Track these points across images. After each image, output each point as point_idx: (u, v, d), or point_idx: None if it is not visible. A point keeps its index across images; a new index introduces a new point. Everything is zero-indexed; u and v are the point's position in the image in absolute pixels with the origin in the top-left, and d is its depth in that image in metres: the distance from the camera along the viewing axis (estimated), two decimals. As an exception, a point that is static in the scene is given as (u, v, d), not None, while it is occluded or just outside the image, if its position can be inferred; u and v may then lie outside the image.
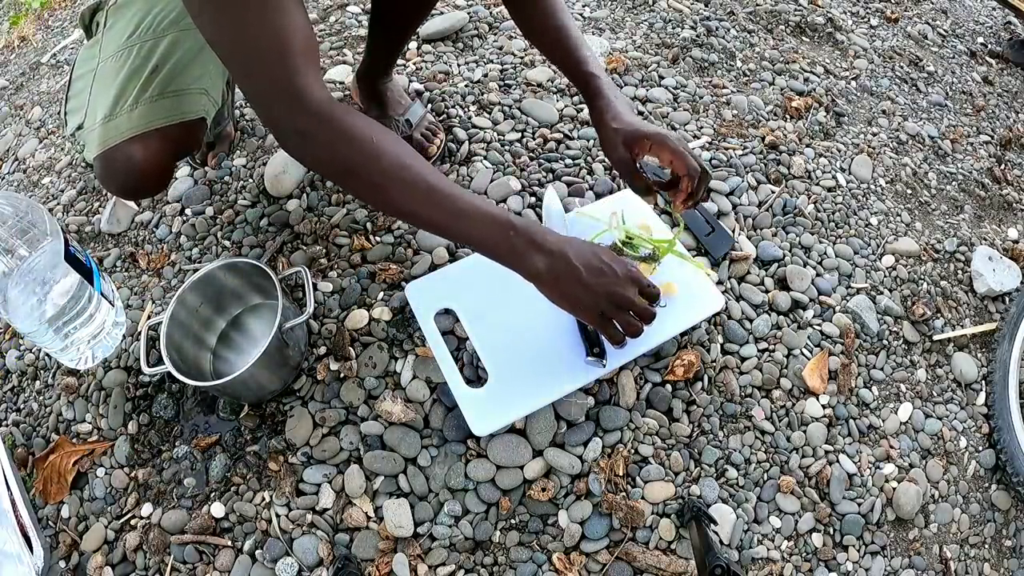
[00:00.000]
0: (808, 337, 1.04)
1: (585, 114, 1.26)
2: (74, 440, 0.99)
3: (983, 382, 1.09)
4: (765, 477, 0.94)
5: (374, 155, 0.66)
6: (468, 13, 1.47)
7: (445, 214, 0.69)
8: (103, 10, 0.89)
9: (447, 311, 0.97)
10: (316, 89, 0.64)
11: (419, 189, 0.68)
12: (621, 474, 0.89)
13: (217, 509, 0.90)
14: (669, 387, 0.96)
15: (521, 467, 0.89)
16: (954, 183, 1.34)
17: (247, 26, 0.61)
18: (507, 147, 1.21)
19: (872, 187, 1.27)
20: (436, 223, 0.70)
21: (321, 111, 0.64)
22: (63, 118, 0.90)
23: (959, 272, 1.20)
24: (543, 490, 0.88)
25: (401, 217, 0.76)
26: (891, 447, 0.99)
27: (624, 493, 0.89)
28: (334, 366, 0.97)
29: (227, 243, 1.13)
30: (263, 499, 0.90)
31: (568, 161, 1.19)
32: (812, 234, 1.16)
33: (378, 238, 1.09)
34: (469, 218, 0.69)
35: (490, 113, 1.27)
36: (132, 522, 0.92)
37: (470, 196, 0.71)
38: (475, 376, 0.94)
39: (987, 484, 1.02)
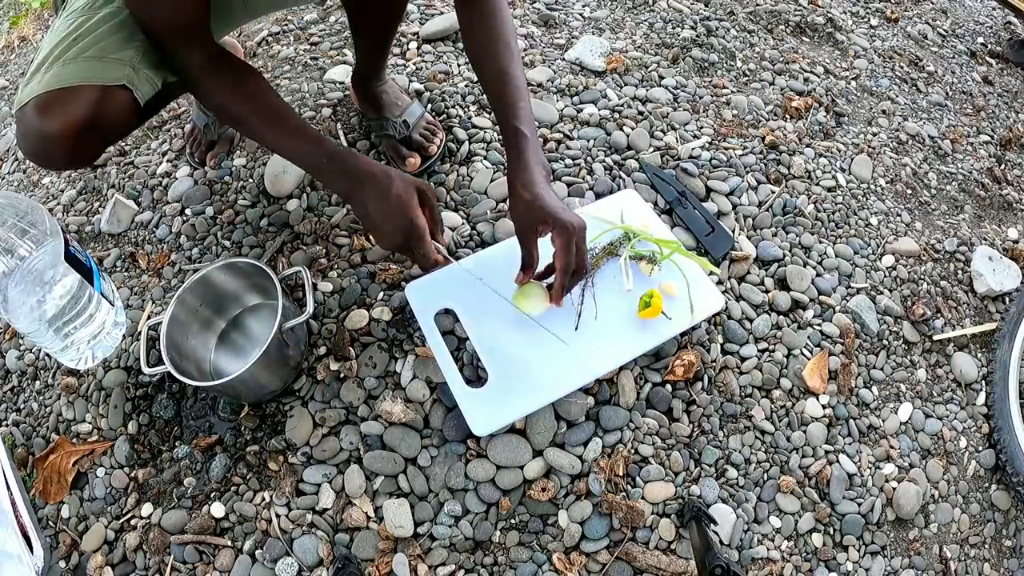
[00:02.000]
0: (808, 337, 1.04)
1: (585, 114, 1.26)
2: (74, 440, 0.99)
3: (983, 382, 1.09)
4: (765, 477, 0.94)
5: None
6: (468, 13, 1.47)
7: (274, 135, 0.84)
8: None
9: (447, 311, 0.97)
10: (195, 53, 0.81)
11: (262, 124, 0.83)
12: (621, 474, 0.89)
13: (217, 509, 0.90)
14: (669, 387, 0.96)
15: (521, 467, 0.89)
16: (954, 183, 1.34)
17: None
18: (507, 147, 1.21)
19: (872, 187, 1.27)
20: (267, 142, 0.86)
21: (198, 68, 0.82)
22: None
23: (959, 272, 1.20)
24: (543, 490, 0.88)
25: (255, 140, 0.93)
26: (891, 447, 0.99)
27: (624, 493, 0.89)
28: (334, 366, 0.97)
29: (227, 243, 1.13)
30: (263, 499, 0.90)
31: (568, 161, 1.19)
32: (812, 234, 1.16)
33: (378, 238, 1.09)
34: (293, 140, 0.83)
35: (490, 113, 1.27)
36: (132, 522, 0.92)
37: (300, 125, 0.84)
38: (475, 376, 0.94)
39: (987, 484, 1.02)
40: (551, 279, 0.89)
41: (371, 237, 0.85)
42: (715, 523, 0.84)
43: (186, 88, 0.90)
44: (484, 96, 1.29)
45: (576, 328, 0.94)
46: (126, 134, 0.90)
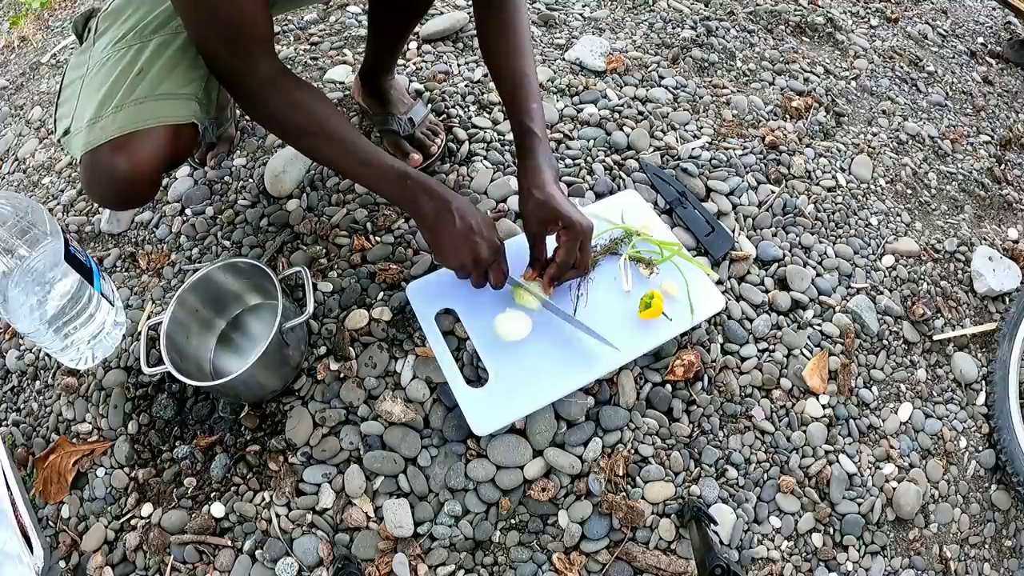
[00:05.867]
0: (808, 337, 1.04)
1: (585, 114, 1.26)
2: (74, 440, 0.99)
3: (983, 382, 1.09)
4: (765, 477, 0.94)
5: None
6: (468, 13, 1.47)
7: (351, 164, 0.83)
8: (96, 17, 0.89)
9: (447, 311, 0.97)
10: (262, 67, 0.79)
11: (333, 142, 0.82)
12: (621, 474, 0.89)
13: (217, 509, 0.90)
14: (669, 387, 0.96)
15: (521, 467, 0.89)
16: (954, 183, 1.34)
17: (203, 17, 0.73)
18: (507, 147, 1.21)
19: (872, 187, 1.27)
20: (345, 172, 0.87)
21: (264, 83, 0.80)
22: (53, 125, 0.87)
23: (959, 272, 1.20)
24: (543, 490, 0.88)
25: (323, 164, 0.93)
26: (891, 447, 0.99)
27: (624, 493, 0.89)
28: (334, 366, 0.97)
29: (227, 243, 1.13)
30: (263, 499, 0.90)
31: (568, 161, 1.19)
32: (812, 234, 1.16)
33: (378, 238, 1.09)
34: (370, 168, 0.82)
35: (490, 113, 1.27)
36: (132, 522, 0.92)
37: (373, 149, 0.83)
38: (475, 376, 0.94)
39: (987, 484, 1.02)
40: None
41: (449, 256, 0.85)
42: (715, 523, 0.84)
43: (244, 105, 0.85)
44: (484, 96, 1.29)
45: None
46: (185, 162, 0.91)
